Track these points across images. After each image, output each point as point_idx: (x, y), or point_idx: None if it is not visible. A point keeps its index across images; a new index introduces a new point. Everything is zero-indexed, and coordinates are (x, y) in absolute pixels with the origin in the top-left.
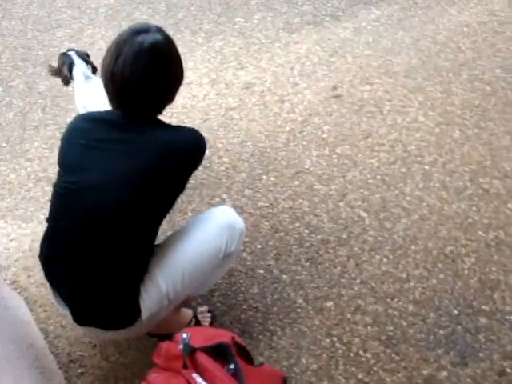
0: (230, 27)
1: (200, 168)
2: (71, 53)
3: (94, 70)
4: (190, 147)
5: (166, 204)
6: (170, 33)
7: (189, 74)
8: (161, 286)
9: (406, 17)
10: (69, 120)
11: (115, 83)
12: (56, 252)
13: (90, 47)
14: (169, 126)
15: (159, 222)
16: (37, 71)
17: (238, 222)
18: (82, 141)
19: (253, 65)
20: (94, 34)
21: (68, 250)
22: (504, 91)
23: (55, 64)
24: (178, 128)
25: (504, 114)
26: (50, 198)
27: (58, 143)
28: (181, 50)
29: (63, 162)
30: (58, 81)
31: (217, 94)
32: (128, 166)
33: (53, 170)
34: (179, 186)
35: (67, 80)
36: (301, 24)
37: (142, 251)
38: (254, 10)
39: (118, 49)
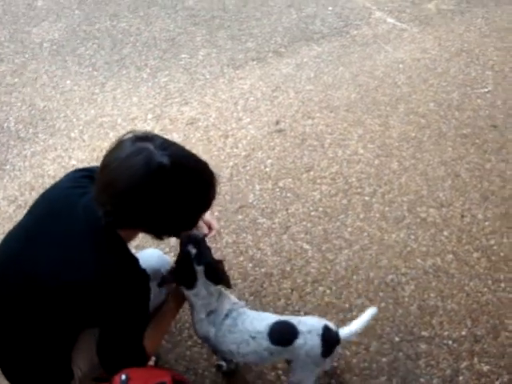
0: (175, 63)
1: None
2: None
3: None
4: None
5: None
6: (115, 69)
7: (133, 110)
8: (91, 343)
9: (346, 53)
10: (9, 157)
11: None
12: None
13: (34, 82)
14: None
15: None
16: None
17: (165, 264)
18: (50, 207)
19: (197, 100)
20: (38, 69)
21: None
22: (437, 124)
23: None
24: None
25: (438, 146)
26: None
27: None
28: (126, 86)
29: (29, 212)
30: None
31: (161, 130)
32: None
33: (4, 209)
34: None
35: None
36: (245, 60)
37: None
38: (198, 47)
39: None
